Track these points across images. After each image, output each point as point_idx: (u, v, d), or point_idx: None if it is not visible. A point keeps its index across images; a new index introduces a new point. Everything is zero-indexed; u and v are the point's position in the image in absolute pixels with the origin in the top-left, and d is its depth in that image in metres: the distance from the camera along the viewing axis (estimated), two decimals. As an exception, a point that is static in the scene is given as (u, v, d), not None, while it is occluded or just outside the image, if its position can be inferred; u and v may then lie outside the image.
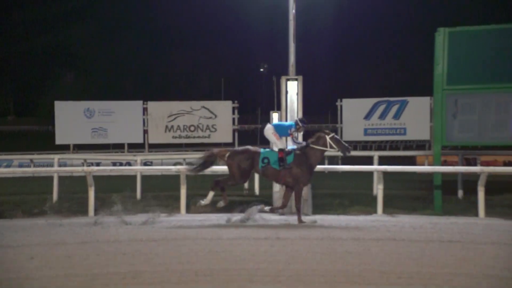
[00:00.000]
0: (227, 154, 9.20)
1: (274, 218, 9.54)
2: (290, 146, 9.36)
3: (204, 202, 9.25)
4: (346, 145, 9.27)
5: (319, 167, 12.62)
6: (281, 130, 9.29)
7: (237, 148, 9.80)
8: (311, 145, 9.10)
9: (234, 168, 9.05)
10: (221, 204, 9.32)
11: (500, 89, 10.14)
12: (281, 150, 9.04)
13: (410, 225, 8.64)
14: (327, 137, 9.09)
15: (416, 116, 19.64)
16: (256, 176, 13.47)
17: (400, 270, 5.71)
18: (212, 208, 10.63)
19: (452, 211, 9.98)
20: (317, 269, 5.78)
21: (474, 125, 10.28)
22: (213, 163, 9.49)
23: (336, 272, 5.66)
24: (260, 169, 9.06)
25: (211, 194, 9.21)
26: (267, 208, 9.15)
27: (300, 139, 9.58)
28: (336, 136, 9.31)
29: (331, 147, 9.08)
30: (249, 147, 9.42)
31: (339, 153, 9.77)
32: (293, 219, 9.25)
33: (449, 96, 10.33)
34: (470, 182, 11.35)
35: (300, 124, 9.34)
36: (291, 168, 8.95)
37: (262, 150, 9.25)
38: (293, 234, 7.80)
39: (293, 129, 9.25)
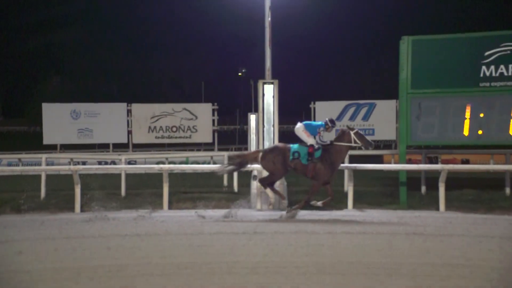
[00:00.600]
0: (259, 155, 9.26)
1: (253, 213, 9.56)
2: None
3: (272, 201, 9.34)
4: (370, 140, 9.27)
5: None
6: (311, 129, 9.28)
7: (266, 148, 9.76)
8: (335, 143, 9.14)
9: (270, 167, 9.12)
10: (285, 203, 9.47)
11: (457, 93, 10.29)
12: (311, 146, 9.06)
13: (378, 219, 8.73)
14: (352, 133, 9.11)
15: (383, 118, 19.83)
16: (235, 174, 13.46)
17: (368, 261, 5.76)
18: (194, 204, 10.63)
19: (416, 206, 10.09)
20: (293, 261, 5.79)
21: (435, 126, 10.40)
22: (244, 165, 9.52)
23: (310, 263, 5.68)
24: (291, 162, 9.07)
25: (270, 192, 9.25)
26: (319, 203, 9.12)
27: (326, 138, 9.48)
28: (359, 131, 9.32)
29: (355, 142, 9.07)
30: (278, 144, 9.52)
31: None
32: (275, 214, 9.27)
33: (413, 99, 10.44)
34: (432, 178, 11.49)
35: (329, 124, 9.32)
36: (316, 163, 8.99)
37: (292, 145, 9.25)
38: (269, 229, 7.80)
39: (322, 129, 9.27)
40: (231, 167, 9.60)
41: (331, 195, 9.27)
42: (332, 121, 9.43)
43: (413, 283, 5.01)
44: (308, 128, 9.30)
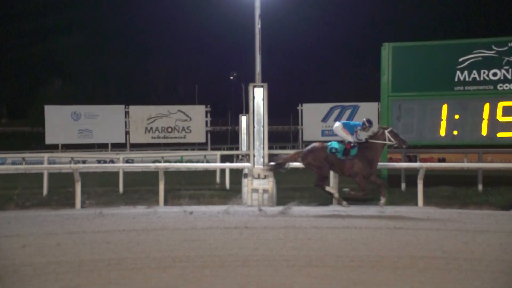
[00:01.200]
0: (301, 156, 9.27)
1: (244, 209, 9.54)
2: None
3: (336, 196, 9.27)
4: (403, 138, 9.21)
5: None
6: (349, 128, 9.21)
7: (305, 149, 9.63)
8: (370, 141, 9.09)
9: (314, 166, 9.10)
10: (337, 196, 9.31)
11: (434, 96, 10.35)
12: (349, 143, 9.02)
13: (361, 214, 8.73)
14: (386, 131, 9.09)
15: (366, 119, 19.94)
16: (227, 172, 13.43)
17: (353, 254, 5.76)
18: (189, 200, 10.59)
19: (396, 202, 10.13)
20: (282, 254, 5.78)
21: (414, 127, 10.45)
22: (284, 165, 9.57)
23: (299, 257, 5.67)
24: (329, 156, 9.04)
25: (331, 189, 9.32)
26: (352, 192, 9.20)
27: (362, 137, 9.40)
28: (394, 130, 9.28)
29: (389, 140, 9.05)
30: (315, 144, 9.43)
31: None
32: (266, 209, 9.26)
33: (394, 101, 10.48)
34: (411, 176, 11.56)
35: (367, 124, 9.22)
36: (352, 160, 8.97)
37: (329, 142, 9.25)
38: (260, 224, 7.79)
39: (359, 128, 9.18)
40: (273, 167, 9.64)
41: (365, 189, 9.21)
42: (369, 121, 9.34)
43: (394, 275, 5.02)
44: (346, 127, 9.24)
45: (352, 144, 9.05)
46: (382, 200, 9.06)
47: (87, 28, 55.04)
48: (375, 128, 9.43)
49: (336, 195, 9.28)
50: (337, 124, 9.43)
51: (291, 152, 10.46)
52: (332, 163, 9.14)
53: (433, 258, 5.61)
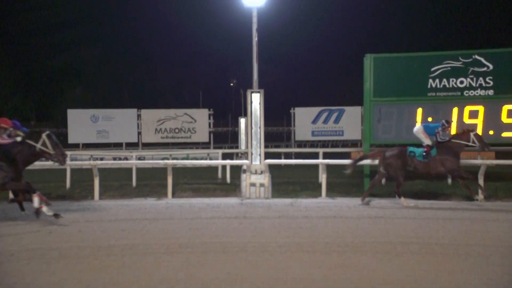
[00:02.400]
0: (383, 156, 8.99)
1: (244, 201, 9.53)
2: (426, 142, 8.90)
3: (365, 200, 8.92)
4: (486, 143, 8.86)
5: (277, 161, 12.74)
6: (429, 130, 8.97)
7: (388, 150, 9.28)
8: (453, 140, 8.81)
9: (392, 167, 8.86)
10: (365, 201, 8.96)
11: (410, 101, 10.34)
12: (427, 146, 8.76)
13: (347, 206, 8.74)
14: (471, 134, 8.82)
15: (351, 121, 19.93)
16: (228, 168, 13.40)
17: (339, 241, 5.78)
18: (194, 193, 10.57)
19: (377, 194, 10.14)
20: (277, 241, 5.78)
21: (393, 128, 10.44)
22: (363, 159, 9.45)
23: (292, 243, 5.68)
24: (409, 159, 8.78)
25: (404, 201, 8.78)
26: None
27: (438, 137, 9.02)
28: (478, 133, 8.97)
29: (473, 142, 8.69)
30: (399, 147, 9.14)
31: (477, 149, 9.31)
32: (261, 202, 9.21)
33: (375, 106, 10.47)
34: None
35: (446, 125, 8.97)
36: (437, 159, 8.63)
37: (408, 147, 8.96)
38: (257, 214, 7.79)
39: (439, 129, 8.90)
40: (355, 161, 9.50)
41: (466, 176, 8.77)
42: (448, 122, 9.11)
43: (375, 259, 5.05)
44: (426, 129, 8.95)
45: (430, 145, 8.73)
46: (480, 196, 8.74)
47: (103, 41, 55.14)
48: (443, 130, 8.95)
49: (404, 201, 8.77)
50: (418, 127, 9.07)
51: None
52: (414, 166, 8.82)
53: (409, 244, 5.63)
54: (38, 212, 7.15)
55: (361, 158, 9.59)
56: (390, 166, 8.93)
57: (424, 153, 8.75)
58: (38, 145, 7.40)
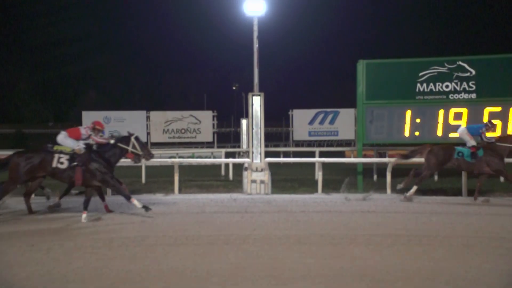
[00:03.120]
0: (429, 150, 8.72)
1: (245, 197, 9.54)
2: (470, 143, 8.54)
3: (401, 185, 8.79)
4: None
5: (277, 159, 12.76)
6: (473, 131, 8.69)
7: (436, 145, 8.96)
8: (498, 143, 8.49)
9: (432, 162, 8.59)
10: (400, 186, 8.81)
11: (400, 104, 10.36)
12: (473, 146, 8.47)
13: (341, 201, 8.73)
14: None
15: (345, 122, 19.96)
16: (230, 166, 13.41)
17: (334, 234, 5.80)
18: (198, 189, 10.58)
19: (369, 189, 10.16)
20: (276, 234, 5.79)
21: (384, 129, 10.46)
22: (414, 155, 9.05)
23: (290, 236, 5.70)
24: (455, 160, 8.52)
25: (408, 179, 8.77)
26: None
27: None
28: None
29: None
30: (447, 145, 8.88)
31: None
32: (261, 197, 9.23)
33: (367, 108, 10.50)
34: (381, 169, 11.60)
35: (489, 125, 8.74)
36: (483, 159, 8.37)
37: (456, 147, 8.64)
38: (257, 209, 7.79)
39: (483, 129, 8.66)
40: (406, 157, 9.22)
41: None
42: (491, 122, 8.92)
43: (367, 250, 5.08)
44: (470, 130, 8.69)
45: (477, 146, 8.47)
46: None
47: (116, 49, 55.70)
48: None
49: (403, 186, 8.76)
50: (462, 129, 8.80)
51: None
52: (458, 164, 8.58)
53: (398, 236, 5.66)
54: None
55: (411, 155, 9.10)
56: (430, 160, 8.63)
57: (471, 154, 8.49)
58: (130, 148, 7.50)
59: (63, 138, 7.51)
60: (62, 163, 7.18)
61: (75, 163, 7.17)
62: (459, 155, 8.54)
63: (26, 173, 7.15)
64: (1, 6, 49.55)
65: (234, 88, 46.53)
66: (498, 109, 9.94)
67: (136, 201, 7.08)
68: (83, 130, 7.65)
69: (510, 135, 8.93)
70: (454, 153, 8.58)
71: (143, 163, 13.05)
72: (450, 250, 5.04)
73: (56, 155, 7.22)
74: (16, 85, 49.86)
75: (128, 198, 7.14)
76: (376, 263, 4.57)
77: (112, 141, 7.60)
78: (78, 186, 7.68)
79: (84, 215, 6.84)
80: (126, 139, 7.58)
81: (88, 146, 7.47)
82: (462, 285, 3.95)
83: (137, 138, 7.63)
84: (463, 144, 8.71)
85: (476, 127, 8.89)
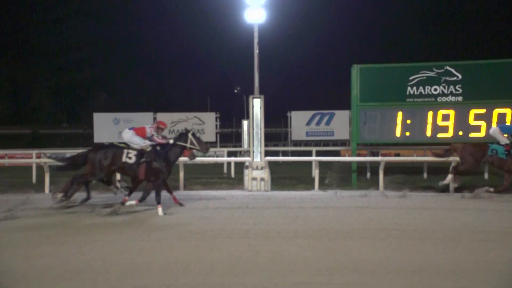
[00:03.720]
0: (461, 147, 8.60)
1: (246, 194, 9.53)
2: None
3: (444, 182, 8.65)
4: None
5: (276, 158, 12.77)
6: (506, 129, 8.55)
7: (467, 144, 8.81)
8: None
9: (467, 157, 8.46)
10: (442, 183, 8.67)
11: (391, 106, 10.38)
12: (507, 144, 8.34)
13: (336, 197, 8.72)
14: None
15: (340, 123, 19.93)
16: (232, 164, 13.40)
17: (330, 228, 5.80)
18: (202, 186, 10.58)
19: (363, 187, 10.15)
20: (275, 228, 5.79)
21: (377, 130, 10.47)
22: (449, 155, 8.88)
23: (288, 230, 5.70)
24: (489, 156, 8.41)
25: (449, 176, 8.63)
26: (491, 189, 8.42)
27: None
28: None
29: None
30: (479, 143, 8.71)
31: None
32: (259, 194, 9.23)
33: (361, 110, 10.51)
34: (374, 167, 11.60)
35: None
36: None
37: (490, 144, 8.52)
38: (258, 205, 7.78)
39: None
40: (443, 155, 9.05)
41: (506, 186, 8.39)
42: None
43: (360, 243, 5.08)
44: (503, 129, 8.55)
45: (510, 145, 8.33)
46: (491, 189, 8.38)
47: (125, 55, 56.22)
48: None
49: (445, 182, 8.61)
50: (494, 128, 8.68)
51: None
52: (491, 161, 8.49)
53: (390, 230, 5.66)
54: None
55: (446, 155, 8.94)
56: (466, 158, 8.47)
57: (505, 152, 8.39)
58: (188, 145, 7.49)
59: (130, 136, 7.54)
60: (130, 158, 7.25)
61: (143, 159, 7.21)
62: (493, 152, 8.43)
63: (104, 169, 7.23)
64: (18, 15, 50.57)
65: (235, 91, 46.57)
66: (482, 111, 9.96)
67: (160, 209, 6.97)
68: (148, 129, 7.66)
69: None
70: (488, 150, 8.48)
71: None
72: (438, 243, 5.05)
73: (125, 150, 7.31)
74: (33, 89, 51.20)
75: (157, 202, 7.07)
76: (369, 255, 4.57)
77: (171, 141, 7.59)
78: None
79: (159, 209, 6.88)
80: (184, 137, 7.56)
81: (153, 144, 7.49)
82: (449, 276, 3.96)
83: (193, 134, 7.62)
84: (497, 142, 8.59)
85: (508, 126, 8.79)
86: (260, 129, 10.55)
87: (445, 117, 10.13)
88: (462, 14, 52.26)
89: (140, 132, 7.62)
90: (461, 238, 5.28)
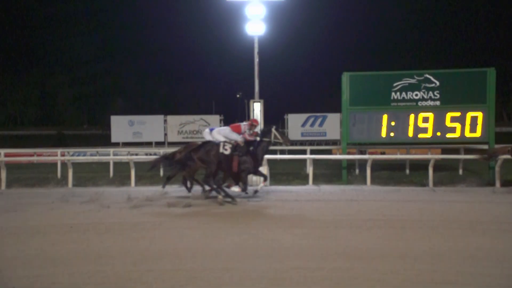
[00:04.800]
0: (508, 149, 8.39)
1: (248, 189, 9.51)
2: None
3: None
4: None
5: (274, 156, 12.76)
6: None
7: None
8: None
9: None
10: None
11: (377, 109, 10.34)
12: None
13: (328, 191, 8.68)
14: None
15: (332, 125, 19.91)
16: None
17: (322, 219, 5.81)
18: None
19: (352, 182, 10.11)
20: (273, 219, 5.81)
21: (364, 130, 10.45)
22: (496, 156, 8.60)
23: (285, 220, 5.71)
24: None
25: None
26: None
27: None
28: None
29: None
30: None
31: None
32: (259, 189, 9.20)
33: (351, 113, 10.49)
34: (362, 164, 11.58)
35: None
36: None
37: None
38: (257, 199, 7.73)
39: None
40: (488, 158, 8.78)
41: None
42: None
43: (350, 232, 5.11)
44: None
45: None
46: None
47: (139, 64, 57.03)
48: None
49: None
50: None
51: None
52: None
53: (376, 220, 5.69)
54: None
55: (494, 155, 8.63)
56: None
57: None
58: (272, 139, 7.44)
59: (228, 132, 7.55)
60: (226, 149, 7.24)
61: (236, 153, 7.22)
62: None
63: (215, 160, 7.21)
64: (45, 31, 51.62)
65: (238, 96, 46.48)
66: (457, 114, 10.01)
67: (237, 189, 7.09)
68: (243, 127, 7.65)
69: None
70: None
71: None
72: (418, 232, 5.07)
73: (221, 143, 7.29)
74: (58, 95, 52.81)
75: (243, 190, 7.18)
76: (357, 243, 4.60)
77: (258, 138, 7.53)
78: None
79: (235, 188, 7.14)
80: (268, 133, 7.51)
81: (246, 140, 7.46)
82: (428, 260, 3.99)
83: (276, 129, 7.56)
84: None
85: None
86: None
87: (425, 120, 10.14)
88: (440, 27, 52.34)
89: (236, 129, 7.60)
90: (438, 227, 5.31)
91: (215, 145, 7.35)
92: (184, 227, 5.43)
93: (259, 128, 8.67)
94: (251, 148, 7.40)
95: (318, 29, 52.89)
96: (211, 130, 7.91)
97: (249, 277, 3.60)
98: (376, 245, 4.50)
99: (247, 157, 7.29)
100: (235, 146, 7.31)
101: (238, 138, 7.46)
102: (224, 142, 7.34)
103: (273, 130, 7.49)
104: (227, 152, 7.24)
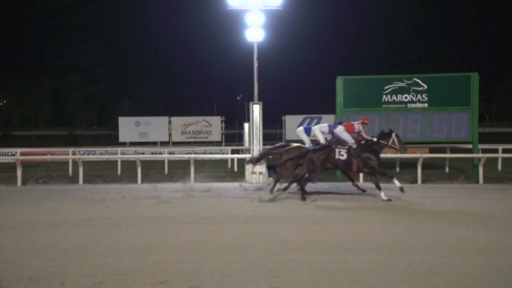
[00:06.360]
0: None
1: (247, 185, 9.49)
2: None
3: None
4: None
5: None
6: None
7: None
8: None
9: None
10: None
11: (369, 111, 10.34)
12: None
13: (324, 188, 8.71)
14: None
15: (326, 125, 19.93)
16: (235, 160, 13.39)
17: (317, 214, 5.81)
18: (209, 179, 10.55)
19: (346, 179, 10.09)
20: (272, 215, 5.79)
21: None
22: None
23: (283, 216, 5.71)
24: None
25: None
26: None
27: None
28: None
29: None
30: None
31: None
32: (259, 186, 9.14)
33: (345, 114, 10.49)
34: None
35: None
36: None
37: None
38: (257, 195, 7.73)
39: None
40: None
41: None
42: None
43: (343, 226, 5.11)
44: None
45: None
46: None
47: (145, 68, 57.15)
48: None
49: None
50: None
51: None
52: None
53: (367, 215, 5.70)
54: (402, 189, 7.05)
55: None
56: None
57: None
58: (390, 143, 7.20)
59: (341, 131, 7.32)
60: (342, 155, 7.09)
61: (355, 155, 7.04)
62: None
63: (321, 165, 7.12)
64: (57, 37, 52.31)
65: (238, 98, 46.54)
66: (444, 115, 10.02)
67: (396, 180, 6.92)
68: (357, 126, 7.42)
69: None
70: None
71: (165, 158, 13.09)
72: (407, 225, 5.09)
73: (337, 150, 7.13)
74: (70, 97, 53.40)
75: (379, 188, 6.98)
76: (350, 237, 4.60)
77: (375, 139, 7.30)
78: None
79: (382, 194, 6.88)
80: (388, 136, 7.26)
81: (358, 141, 7.27)
82: (416, 252, 4.00)
83: (397, 135, 7.28)
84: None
85: None
86: (259, 130, 10.54)
87: (414, 121, 10.17)
88: (428, 33, 52.38)
89: (349, 128, 7.32)
90: (426, 220, 5.33)
91: (328, 151, 7.12)
92: (186, 222, 5.40)
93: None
94: (374, 147, 7.11)
95: (314, 36, 53.06)
96: (306, 128, 7.61)
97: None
98: (368, 239, 4.49)
99: (369, 154, 7.04)
100: (349, 149, 7.09)
101: (349, 139, 7.17)
102: (338, 147, 7.10)
103: (394, 135, 7.18)
104: (344, 157, 7.05)
